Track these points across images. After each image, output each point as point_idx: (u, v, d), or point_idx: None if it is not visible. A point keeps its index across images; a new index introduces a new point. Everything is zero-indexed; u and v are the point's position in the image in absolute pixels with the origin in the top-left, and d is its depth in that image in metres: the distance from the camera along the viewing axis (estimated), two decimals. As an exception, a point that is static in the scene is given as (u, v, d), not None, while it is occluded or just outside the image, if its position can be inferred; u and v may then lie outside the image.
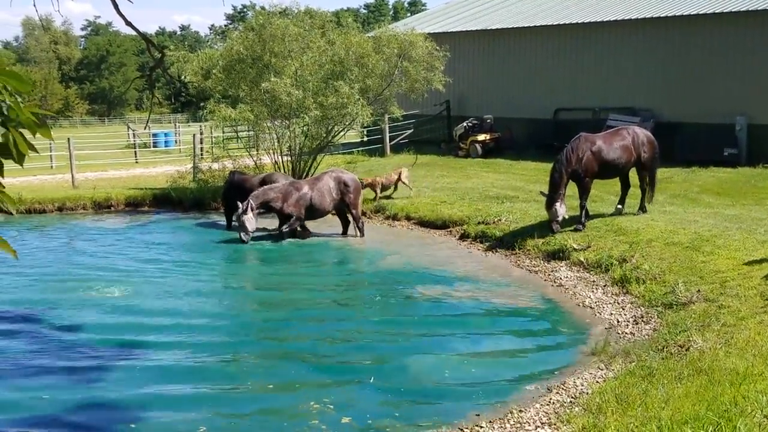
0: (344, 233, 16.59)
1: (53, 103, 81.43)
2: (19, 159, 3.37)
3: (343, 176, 16.27)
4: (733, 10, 23.12)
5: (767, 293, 9.48)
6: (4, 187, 3.51)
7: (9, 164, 3.53)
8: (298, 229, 16.16)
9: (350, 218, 16.49)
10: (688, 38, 24.24)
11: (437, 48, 21.02)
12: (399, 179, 19.15)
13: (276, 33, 19.08)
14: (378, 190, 18.93)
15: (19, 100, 3.28)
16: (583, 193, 14.31)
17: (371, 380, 8.22)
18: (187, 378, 8.52)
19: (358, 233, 16.23)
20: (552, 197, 13.91)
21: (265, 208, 15.76)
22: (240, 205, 15.35)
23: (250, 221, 15.40)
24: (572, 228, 14.13)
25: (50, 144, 28.60)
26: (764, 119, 22.48)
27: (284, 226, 15.91)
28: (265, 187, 15.83)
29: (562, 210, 14.01)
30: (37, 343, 9.74)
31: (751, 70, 22.81)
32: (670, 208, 15.92)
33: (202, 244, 16.31)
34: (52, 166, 28.38)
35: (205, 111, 20.41)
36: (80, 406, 7.75)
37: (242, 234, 15.45)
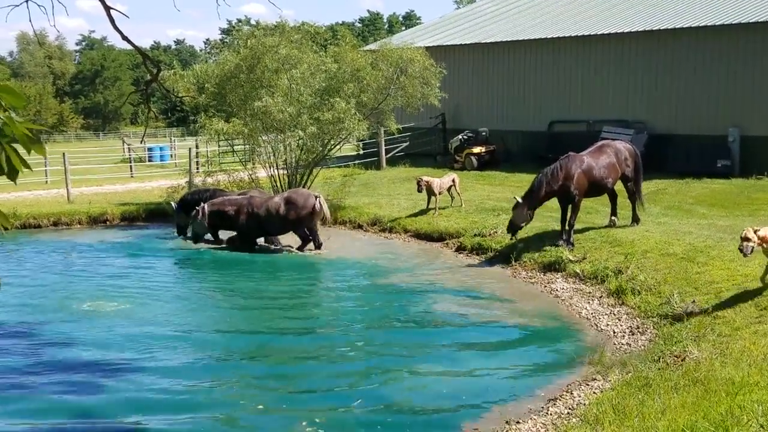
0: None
1: (48, 118, 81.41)
2: (12, 176, 3.32)
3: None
4: (725, 23, 23.26)
5: (761, 303, 9.50)
6: (-3, 203, 3.47)
7: (3, 180, 3.49)
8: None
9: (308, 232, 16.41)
10: (681, 51, 24.35)
11: (434, 64, 21.00)
12: (452, 186, 18.60)
13: (267, 51, 19.00)
14: (436, 191, 17.98)
15: (13, 115, 3.25)
16: (574, 212, 14.17)
17: (358, 402, 8.00)
18: (177, 398, 8.38)
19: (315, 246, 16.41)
20: (522, 201, 13.98)
21: None
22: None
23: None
24: (563, 246, 13.92)
25: (45, 159, 28.55)
26: (757, 131, 22.61)
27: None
28: None
29: (525, 214, 14.04)
30: (31, 359, 9.67)
31: (743, 82, 22.93)
32: (664, 219, 15.96)
33: (200, 258, 16.28)
34: (47, 181, 28.29)
35: (197, 125, 20.37)
36: (71, 421, 7.73)
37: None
